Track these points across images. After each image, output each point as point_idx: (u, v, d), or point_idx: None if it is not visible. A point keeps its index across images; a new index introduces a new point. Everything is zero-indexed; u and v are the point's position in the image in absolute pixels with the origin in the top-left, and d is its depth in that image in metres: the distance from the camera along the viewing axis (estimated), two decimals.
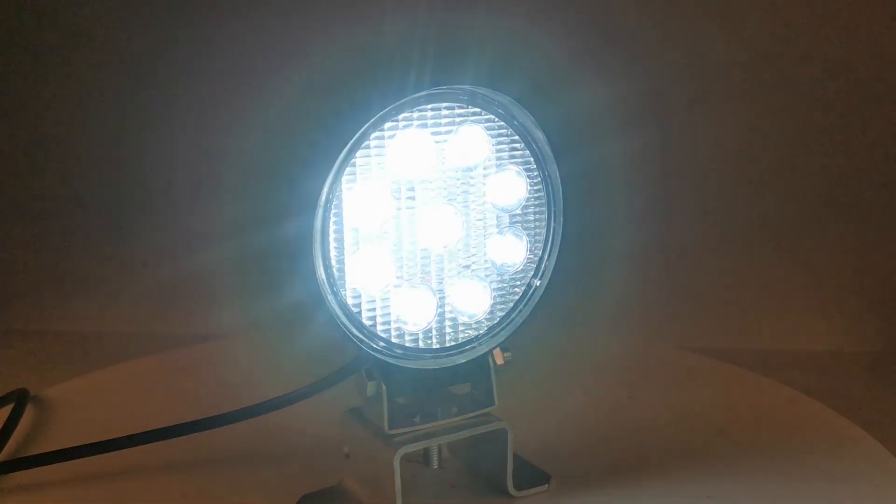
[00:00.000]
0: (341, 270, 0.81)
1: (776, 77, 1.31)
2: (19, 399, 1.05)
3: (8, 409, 1.04)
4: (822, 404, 1.11)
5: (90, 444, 0.93)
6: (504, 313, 0.90)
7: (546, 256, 0.90)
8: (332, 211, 0.80)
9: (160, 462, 0.97)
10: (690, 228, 1.31)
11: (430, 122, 0.83)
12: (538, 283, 0.90)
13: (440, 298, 0.86)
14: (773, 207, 1.37)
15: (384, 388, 0.86)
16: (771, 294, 1.41)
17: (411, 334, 0.86)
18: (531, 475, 0.95)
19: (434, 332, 0.87)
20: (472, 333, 0.88)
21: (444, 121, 0.83)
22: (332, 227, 0.80)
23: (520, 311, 0.90)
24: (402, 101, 0.80)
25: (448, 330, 0.87)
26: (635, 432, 1.07)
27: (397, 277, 0.84)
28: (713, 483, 0.94)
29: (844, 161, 1.38)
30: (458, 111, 0.84)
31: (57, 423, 1.08)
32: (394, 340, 0.85)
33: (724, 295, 1.38)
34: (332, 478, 0.92)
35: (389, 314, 0.84)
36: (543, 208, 0.89)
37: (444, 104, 0.83)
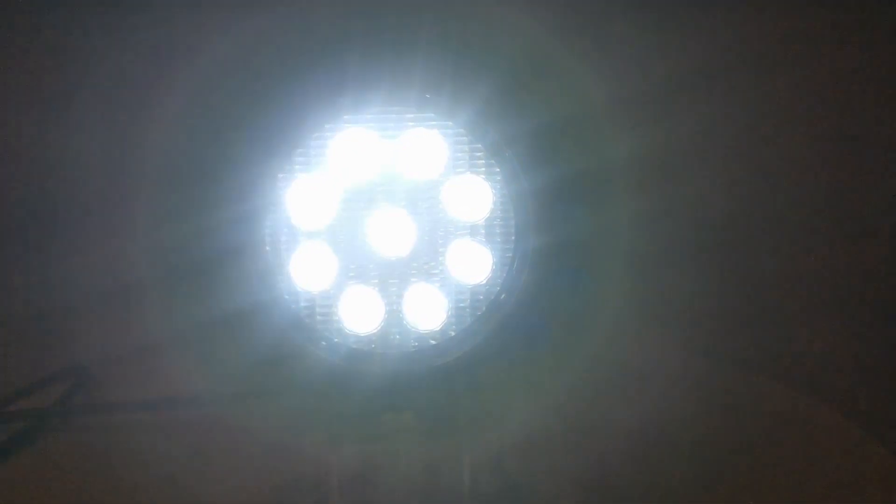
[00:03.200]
0: (278, 268, 0.83)
1: (782, 76, 1.12)
2: (79, 372, 1.19)
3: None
4: (824, 406, 1.08)
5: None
6: (465, 326, 0.86)
7: (514, 271, 0.85)
8: (268, 208, 0.81)
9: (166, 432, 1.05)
10: (690, 230, 1.17)
11: (375, 124, 0.81)
12: (504, 298, 0.85)
13: (387, 304, 0.85)
14: (775, 208, 1.19)
15: (333, 386, 0.87)
16: (773, 295, 1.25)
17: (355, 337, 0.85)
18: (506, 493, 0.91)
19: (378, 338, 0.85)
20: (426, 343, 0.86)
21: (391, 124, 0.81)
22: (267, 224, 0.82)
23: (483, 325, 0.86)
24: (342, 102, 0.80)
25: (396, 337, 0.86)
26: (636, 442, 0.99)
27: (337, 278, 0.84)
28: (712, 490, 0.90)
29: (850, 161, 1.17)
30: (408, 115, 0.81)
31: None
32: (336, 341, 0.85)
33: (725, 296, 1.24)
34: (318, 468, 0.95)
35: (329, 314, 0.85)
36: (511, 221, 0.84)
37: (393, 108, 0.81)
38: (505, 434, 0.91)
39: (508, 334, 0.86)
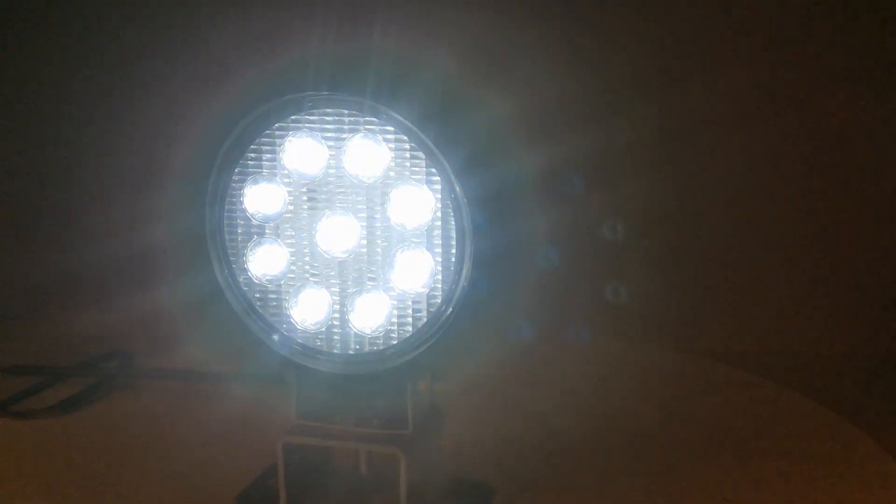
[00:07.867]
0: (236, 263, 0.87)
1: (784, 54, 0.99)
2: (123, 357, 1.29)
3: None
4: (823, 406, 1.09)
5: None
6: (408, 332, 0.85)
7: (458, 281, 0.83)
8: (226, 205, 0.85)
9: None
10: (688, 230, 1.07)
11: (319, 127, 0.82)
12: (449, 310, 0.84)
13: (331, 306, 0.86)
14: (773, 208, 1.07)
15: (294, 377, 0.90)
16: (772, 295, 1.19)
17: (304, 333, 0.87)
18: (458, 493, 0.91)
19: (324, 336, 0.87)
20: (370, 347, 0.86)
21: (333, 127, 0.82)
22: (225, 221, 0.86)
23: (429, 335, 0.85)
24: (286, 102, 0.82)
25: (338, 337, 0.87)
26: (627, 441, 1.02)
27: (289, 276, 0.86)
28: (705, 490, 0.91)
29: (850, 161, 1.16)
30: (349, 119, 0.82)
31: None
32: (286, 335, 0.87)
33: (723, 296, 1.14)
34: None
35: (281, 309, 0.87)
36: (455, 229, 0.82)
37: (334, 111, 0.82)
38: (451, 438, 0.90)
39: (452, 341, 0.84)
